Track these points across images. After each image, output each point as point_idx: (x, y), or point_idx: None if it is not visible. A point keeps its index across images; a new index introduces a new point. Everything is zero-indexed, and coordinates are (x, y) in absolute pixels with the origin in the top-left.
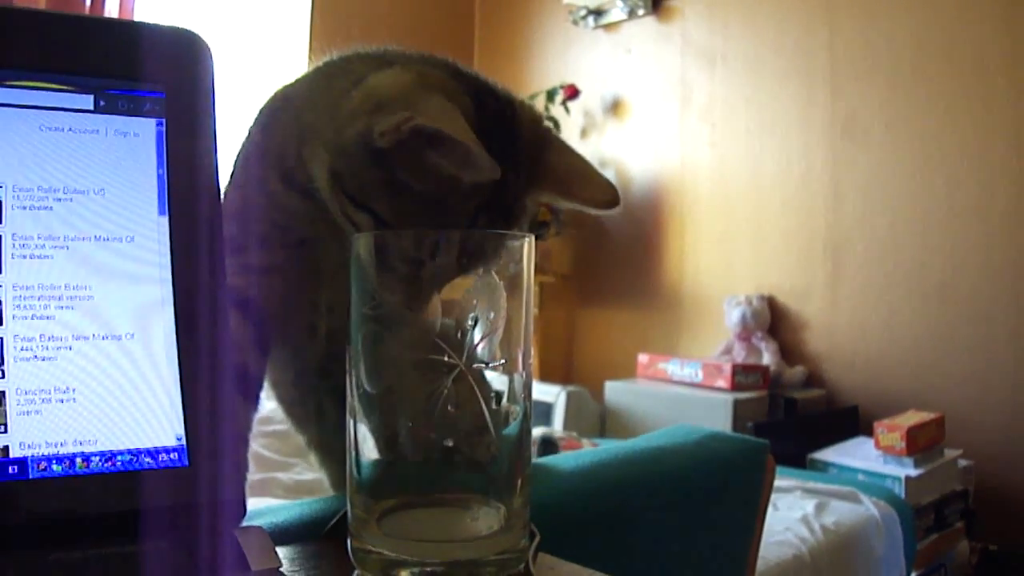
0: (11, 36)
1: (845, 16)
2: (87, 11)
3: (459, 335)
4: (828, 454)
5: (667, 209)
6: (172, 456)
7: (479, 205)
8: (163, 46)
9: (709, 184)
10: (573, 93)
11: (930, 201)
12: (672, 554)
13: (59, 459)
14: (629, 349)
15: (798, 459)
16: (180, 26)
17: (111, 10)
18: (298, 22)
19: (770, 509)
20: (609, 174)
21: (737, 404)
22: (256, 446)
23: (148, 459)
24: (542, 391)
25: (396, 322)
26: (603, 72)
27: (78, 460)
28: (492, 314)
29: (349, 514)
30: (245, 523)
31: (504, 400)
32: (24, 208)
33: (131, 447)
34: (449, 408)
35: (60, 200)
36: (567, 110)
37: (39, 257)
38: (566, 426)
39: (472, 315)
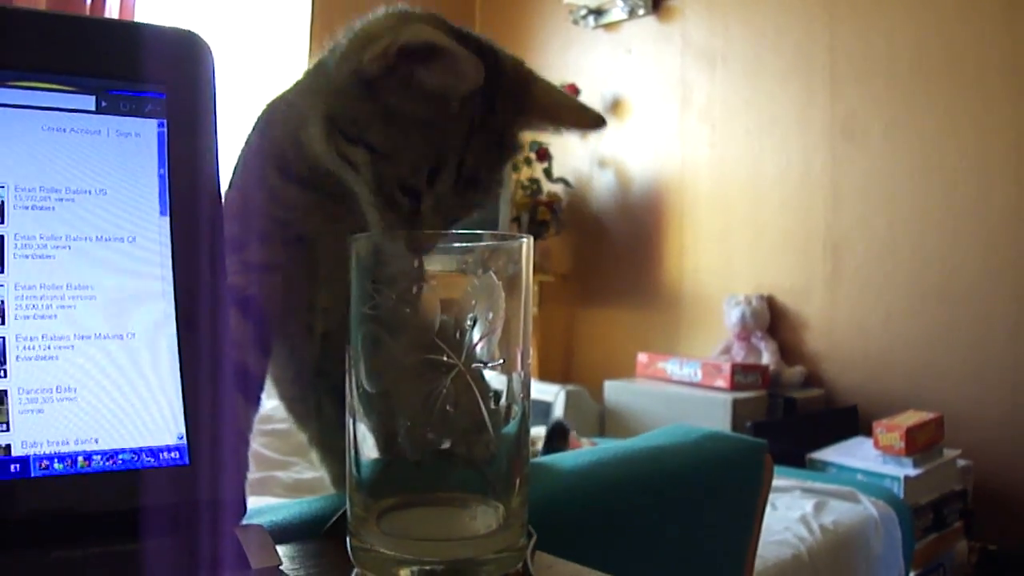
0: (13, 37)
1: (845, 17)
2: (87, 11)
3: (458, 335)
4: (827, 454)
5: (667, 209)
6: (173, 455)
7: (471, 130)
8: (164, 47)
9: (709, 184)
10: (573, 93)
11: (929, 201)
12: (670, 553)
13: (61, 458)
14: (628, 348)
15: (797, 459)
16: (181, 27)
17: (111, 9)
18: (298, 22)
19: (769, 509)
20: (609, 174)
21: (736, 404)
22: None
23: (149, 458)
24: (541, 390)
25: (396, 323)
26: (603, 72)
27: (80, 459)
28: (491, 314)
29: (348, 513)
30: (245, 521)
31: (503, 399)
32: (26, 208)
33: (132, 446)
34: (448, 408)
35: (62, 200)
36: None
37: (41, 257)
38: (551, 425)
39: (471, 315)
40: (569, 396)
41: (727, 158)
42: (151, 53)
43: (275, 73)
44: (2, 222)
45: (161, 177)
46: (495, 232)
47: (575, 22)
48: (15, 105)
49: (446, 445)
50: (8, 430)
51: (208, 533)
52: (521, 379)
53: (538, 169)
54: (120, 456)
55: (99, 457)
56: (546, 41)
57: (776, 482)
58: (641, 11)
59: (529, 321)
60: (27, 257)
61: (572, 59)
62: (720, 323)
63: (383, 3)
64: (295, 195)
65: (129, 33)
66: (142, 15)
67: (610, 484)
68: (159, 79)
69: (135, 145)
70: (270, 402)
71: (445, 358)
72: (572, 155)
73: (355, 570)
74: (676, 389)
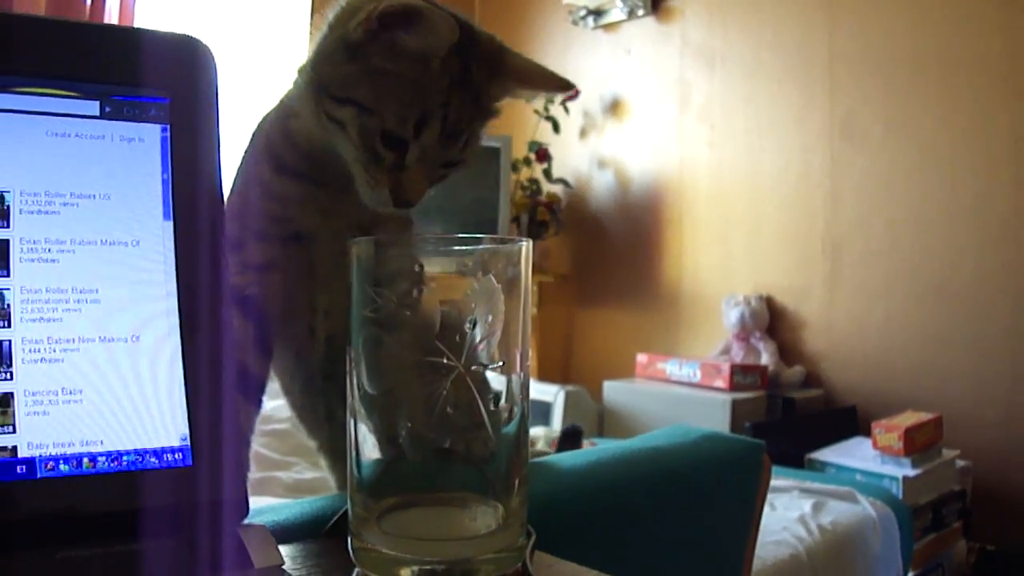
0: (17, 43)
1: (844, 18)
2: (87, 16)
3: (458, 338)
4: (826, 454)
5: (666, 209)
6: (176, 456)
7: (451, 87)
8: (167, 52)
9: (708, 184)
10: (573, 93)
11: (928, 201)
12: (668, 553)
13: (66, 459)
14: (628, 349)
15: (796, 459)
16: (184, 33)
17: (111, 12)
18: (298, 28)
19: (767, 509)
20: (608, 174)
21: (735, 404)
22: (256, 445)
23: (153, 459)
24: (541, 391)
25: (396, 324)
26: (602, 72)
27: (85, 460)
28: (490, 317)
29: (350, 513)
30: (247, 521)
31: (502, 400)
32: (32, 212)
33: (136, 447)
34: (448, 409)
35: (67, 204)
36: (566, 110)
37: (46, 260)
38: (564, 426)
39: (471, 318)
40: (568, 396)
41: (726, 158)
42: (154, 59)
43: (275, 78)
44: (8, 226)
45: (164, 182)
46: (494, 236)
47: (574, 23)
48: (20, 111)
49: (447, 445)
50: (14, 432)
51: (211, 533)
52: (520, 380)
53: (537, 170)
54: (124, 457)
55: (104, 458)
56: (545, 41)
57: (775, 482)
58: (640, 12)
59: (528, 323)
60: (32, 261)
61: (571, 60)
62: (719, 323)
63: None
64: (288, 187)
65: (132, 39)
66: (141, 20)
67: (609, 484)
68: (162, 84)
69: (138, 150)
70: (270, 402)
71: (445, 360)
72: (571, 156)
73: (356, 570)
74: (675, 389)
